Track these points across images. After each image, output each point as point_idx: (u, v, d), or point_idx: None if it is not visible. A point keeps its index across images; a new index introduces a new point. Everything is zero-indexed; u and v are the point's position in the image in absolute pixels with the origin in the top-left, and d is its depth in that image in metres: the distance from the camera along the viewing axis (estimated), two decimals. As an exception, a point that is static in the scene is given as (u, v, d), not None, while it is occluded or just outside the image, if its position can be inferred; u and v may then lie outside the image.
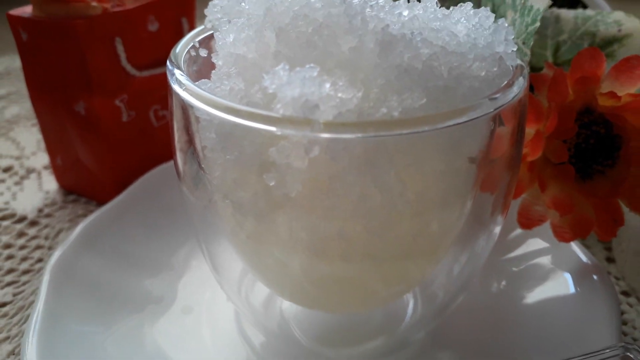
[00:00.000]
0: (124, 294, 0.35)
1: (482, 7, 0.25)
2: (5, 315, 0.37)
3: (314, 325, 0.33)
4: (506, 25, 0.24)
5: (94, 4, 0.41)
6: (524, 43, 0.31)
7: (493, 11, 0.36)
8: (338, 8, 0.24)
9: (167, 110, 0.49)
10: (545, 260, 0.36)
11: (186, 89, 0.24)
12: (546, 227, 0.35)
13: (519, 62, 0.26)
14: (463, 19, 0.24)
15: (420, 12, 0.25)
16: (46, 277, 0.34)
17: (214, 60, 0.27)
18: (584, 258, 0.35)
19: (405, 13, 0.23)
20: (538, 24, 0.30)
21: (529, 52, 0.30)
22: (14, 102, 0.68)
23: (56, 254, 0.36)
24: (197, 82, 0.25)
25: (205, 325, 0.35)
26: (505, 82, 0.24)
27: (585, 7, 0.45)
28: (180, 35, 0.48)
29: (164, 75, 0.47)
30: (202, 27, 0.30)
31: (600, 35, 0.40)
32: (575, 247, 0.36)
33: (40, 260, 0.42)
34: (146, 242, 0.39)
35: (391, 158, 0.23)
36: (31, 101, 0.47)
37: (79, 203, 0.49)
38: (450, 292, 0.29)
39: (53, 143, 0.48)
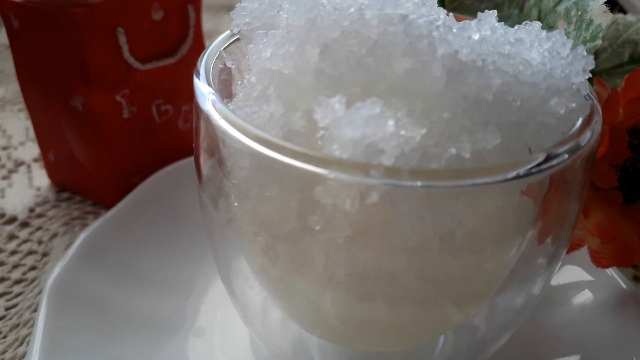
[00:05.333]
0: (131, 314, 0.32)
1: (557, 31, 0.22)
2: (-2, 332, 0.34)
3: (334, 355, 0.31)
4: (585, 53, 0.21)
5: (95, -10, 0.37)
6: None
7: (539, 20, 0.33)
8: (396, 26, 0.21)
9: (170, 104, 0.45)
10: (580, 285, 0.34)
11: (223, 117, 0.21)
12: (582, 251, 0.33)
13: (589, 91, 0.23)
14: (536, 43, 0.21)
15: (489, 32, 0.22)
16: (45, 299, 0.31)
17: (245, 75, 0.24)
18: (623, 285, 0.33)
19: (476, 36, 0.20)
20: (599, 41, 0.27)
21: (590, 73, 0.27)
22: (-1, 84, 0.64)
23: (55, 271, 0.33)
24: (231, 106, 0.22)
25: (219, 350, 0.32)
26: (582, 121, 0.21)
27: (623, 11, 0.42)
28: (186, 24, 0.44)
29: (168, 68, 0.44)
30: (227, 32, 0.27)
31: (643, 44, 0.37)
32: (612, 272, 0.34)
33: (33, 267, 0.39)
34: (154, 255, 0.36)
35: (455, 202, 0.20)
36: (22, 93, 0.43)
37: (73, 202, 0.46)
38: (494, 328, 0.27)
39: (45, 138, 0.45)
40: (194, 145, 0.25)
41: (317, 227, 0.20)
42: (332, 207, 0.20)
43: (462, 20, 0.26)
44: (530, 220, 0.24)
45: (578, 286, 0.34)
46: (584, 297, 0.34)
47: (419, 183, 0.18)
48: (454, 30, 0.20)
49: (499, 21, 0.24)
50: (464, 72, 0.19)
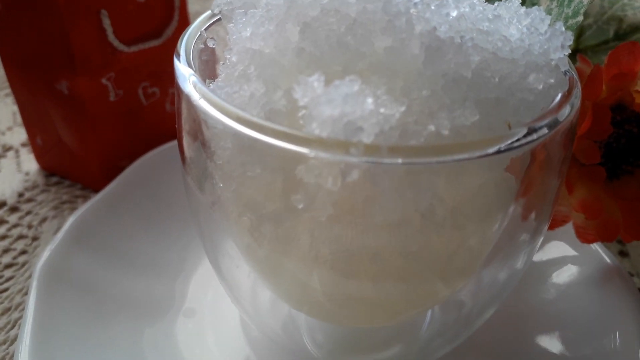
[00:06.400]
0: (121, 296, 0.33)
1: (535, 7, 0.22)
2: (-11, 317, 0.34)
3: (323, 332, 0.31)
4: (563, 29, 0.21)
5: (77, -29, 0.36)
6: (562, 36, 0.28)
7: (524, -5, 0.33)
8: (375, 4, 0.21)
9: (157, 87, 0.45)
10: (565, 261, 0.35)
11: (203, 97, 0.21)
12: (567, 227, 0.34)
13: (568, 67, 0.23)
14: (515, 20, 0.22)
15: (467, 9, 0.22)
16: (35, 282, 0.31)
17: (226, 55, 0.24)
18: (607, 259, 0.34)
19: (454, 13, 0.20)
20: (581, 17, 0.27)
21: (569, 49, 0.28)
22: (-16, 69, 0.63)
23: (44, 254, 0.33)
24: (212, 86, 0.22)
25: (209, 330, 0.32)
26: (561, 96, 0.21)
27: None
28: (170, 5, 0.44)
29: (154, 50, 0.43)
30: (208, 12, 0.27)
31: (628, 20, 0.37)
32: (597, 248, 0.35)
33: (24, 252, 0.39)
34: (143, 237, 0.36)
35: (436, 178, 0.20)
36: (7, 78, 0.42)
37: (62, 186, 0.46)
38: (479, 303, 0.28)
39: (32, 122, 0.44)
40: (176, 127, 0.25)
41: (300, 206, 0.20)
42: (315, 186, 0.20)
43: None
44: (511, 195, 0.24)
45: (563, 261, 0.35)
46: (569, 272, 0.34)
47: (399, 160, 0.18)
48: (432, 8, 0.20)
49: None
50: (442, 49, 0.20)
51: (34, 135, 0.45)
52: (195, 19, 0.27)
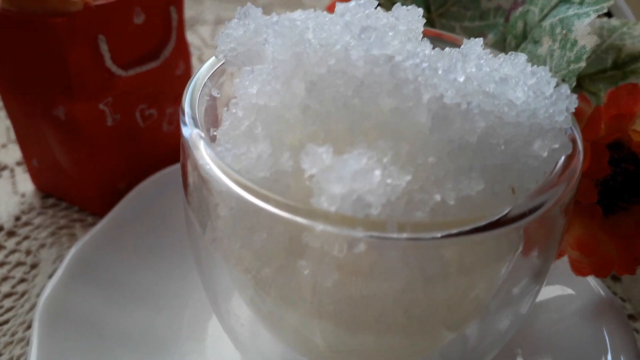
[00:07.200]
0: (124, 331, 0.33)
1: (541, 67, 0.22)
2: (-9, 351, 0.34)
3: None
4: (569, 92, 0.21)
5: (74, -1, 0.36)
6: (563, 80, 0.28)
7: (524, 32, 0.33)
8: (382, 67, 0.21)
9: (154, 109, 0.45)
10: (559, 292, 0.35)
11: (211, 161, 0.21)
12: (562, 259, 0.34)
13: (571, 125, 0.23)
14: (521, 81, 0.22)
15: (474, 70, 0.22)
16: (37, 323, 0.31)
17: (232, 109, 0.24)
18: (601, 292, 0.34)
19: (461, 79, 0.21)
20: (583, 64, 0.27)
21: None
22: (-24, 79, 0.62)
23: (46, 291, 0.33)
24: (219, 149, 0.22)
25: (212, 364, 0.33)
26: (564, 163, 0.21)
27: (609, 14, 0.42)
28: (168, 26, 0.43)
29: (152, 72, 0.43)
30: (212, 59, 0.26)
31: (627, 50, 0.38)
32: (590, 280, 0.35)
33: (23, 280, 0.39)
34: (144, 269, 0.36)
35: (440, 249, 0.21)
36: (3, 102, 0.42)
37: (59, 208, 0.45)
38: (481, 345, 0.28)
39: (28, 145, 0.44)
40: (182, 179, 0.25)
41: (306, 272, 0.21)
42: (320, 250, 0.20)
43: (444, 37, 0.26)
44: (515, 247, 0.24)
45: (557, 293, 0.35)
46: (563, 303, 0.35)
47: (404, 235, 0.19)
48: (440, 73, 0.20)
49: (482, 29, 0.24)
50: (449, 118, 0.20)
51: (29, 156, 0.45)
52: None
